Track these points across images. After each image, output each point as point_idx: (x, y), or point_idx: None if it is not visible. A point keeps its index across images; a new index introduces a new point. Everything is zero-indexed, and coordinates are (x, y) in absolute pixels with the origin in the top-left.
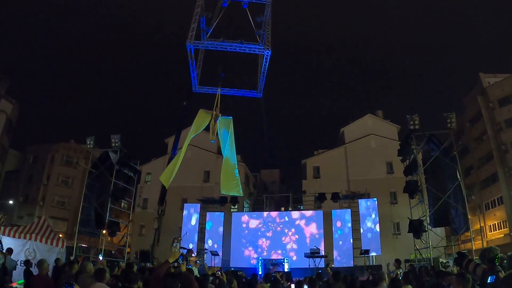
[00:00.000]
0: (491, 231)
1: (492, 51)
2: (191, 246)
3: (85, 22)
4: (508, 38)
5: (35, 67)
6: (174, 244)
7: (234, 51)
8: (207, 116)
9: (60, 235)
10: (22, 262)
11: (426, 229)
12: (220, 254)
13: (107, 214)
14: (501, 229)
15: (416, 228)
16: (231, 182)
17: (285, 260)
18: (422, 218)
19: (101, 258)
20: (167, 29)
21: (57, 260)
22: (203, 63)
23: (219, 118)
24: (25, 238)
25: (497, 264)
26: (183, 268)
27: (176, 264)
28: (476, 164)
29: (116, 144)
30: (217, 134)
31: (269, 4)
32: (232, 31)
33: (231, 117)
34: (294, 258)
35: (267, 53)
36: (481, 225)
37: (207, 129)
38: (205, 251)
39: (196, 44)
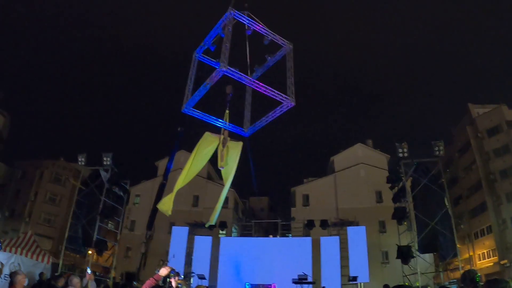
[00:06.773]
0: (480, 260)
1: (480, 82)
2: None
3: (80, 38)
4: (495, 69)
5: (29, 81)
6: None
7: (259, 91)
8: (213, 141)
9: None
10: (6, 275)
11: (414, 255)
12: (207, 279)
13: (95, 232)
14: (490, 257)
15: (404, 254)
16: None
17: (273, 286)
18: (410, 244)
19: (89, 271)
20: (163, 49)
21: (41, 274)
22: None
23: (227, 143)
24: (10, 251)
25: (478, 282)
26: (174, 284)
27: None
28: (465, 194)
29: (107, 163)
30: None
31: (289, 50)
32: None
33: (241, 142)
34: (282, 284)
35: (291, 105)
36: (470, 254)
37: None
38: (192, 274)
39: (230, 72)
